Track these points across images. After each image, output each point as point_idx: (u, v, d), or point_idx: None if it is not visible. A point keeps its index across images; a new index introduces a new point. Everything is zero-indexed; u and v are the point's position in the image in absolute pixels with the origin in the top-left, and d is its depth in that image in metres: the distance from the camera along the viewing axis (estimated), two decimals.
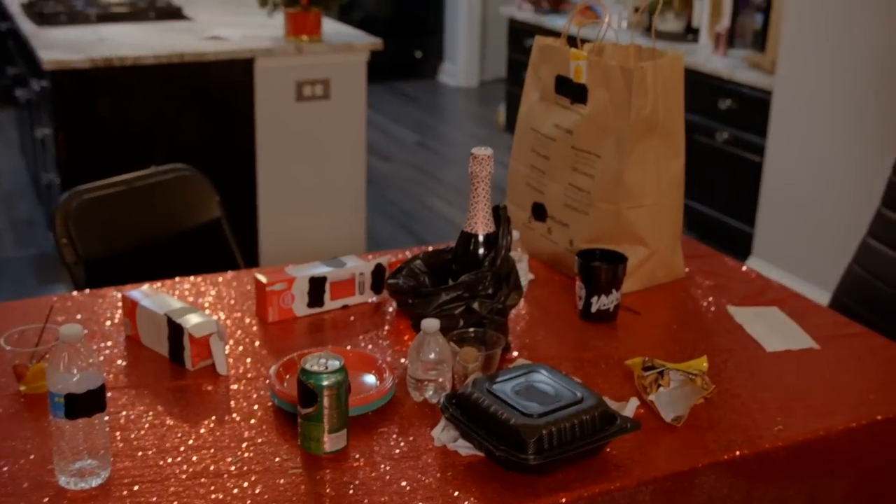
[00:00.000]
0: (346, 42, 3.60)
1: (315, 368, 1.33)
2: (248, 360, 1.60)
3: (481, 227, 1.60)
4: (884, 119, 3.47)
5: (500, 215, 1.61)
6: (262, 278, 1.74)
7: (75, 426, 1.24)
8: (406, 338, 1.67)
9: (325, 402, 1.32)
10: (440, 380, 1.47)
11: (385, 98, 7.14)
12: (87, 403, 1.24)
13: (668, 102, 1.83)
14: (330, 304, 1.78)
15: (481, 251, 1.60)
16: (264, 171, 3.62)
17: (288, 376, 1.48)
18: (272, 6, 3.49)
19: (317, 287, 1.76)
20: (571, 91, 1.90)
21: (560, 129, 1.92)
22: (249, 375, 1.55)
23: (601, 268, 1.74)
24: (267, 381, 1.51)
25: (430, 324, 1.47)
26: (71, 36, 3.57)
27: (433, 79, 7.81)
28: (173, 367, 1.57)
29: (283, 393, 1.44)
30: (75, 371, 1.23)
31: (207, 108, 3.49)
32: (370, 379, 1.51)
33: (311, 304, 1.76)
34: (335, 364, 1.34)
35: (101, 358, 1.58)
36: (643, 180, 1.84)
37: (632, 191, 1.83)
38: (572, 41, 1.95)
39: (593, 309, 1.75)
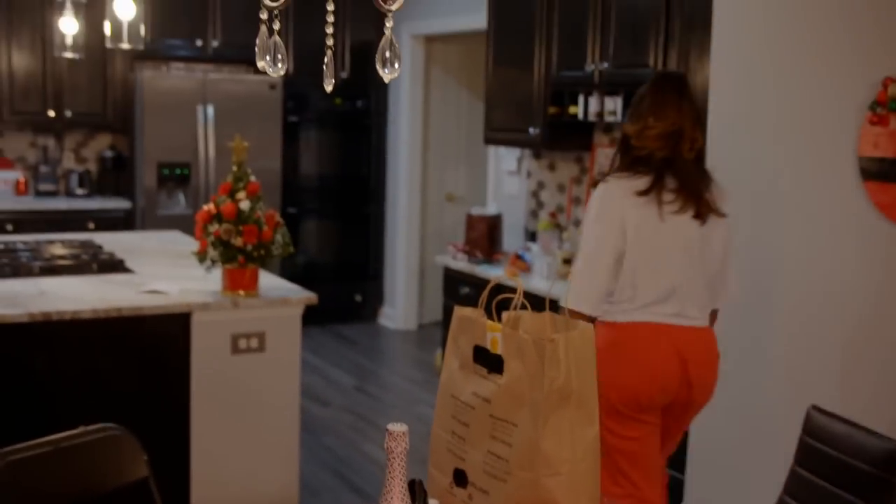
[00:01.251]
0: (281, 297, 3.67)
1: None
2: None
3: (397, 502, 1.59)
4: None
5: (415, 490, 1.62)
6: None
7: None
8: None
9: None
10: None
11: (324, 341, 7.19)
12: None
13: (581, 372, 1.89)
14: None
15: None
16: (198, 423, 3.59)
17: None
18: (210, 262, 3.57)
19: None
20: (488, 361, 1.95)
21: (478, 398, 1.96)
22: None
23: None
24: None
25: None
26: (13, 289, 3.60)
27: (373, 322, 7.91)
28: None
29: None
30: None
31: (143, 361, 3.49)
32: None
33: None
34: None
35: None
36: (559, 448, 1.86)
37: (549, 459, 1.85)
38: (491, 310, 2.01)
39: None
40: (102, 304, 3.42)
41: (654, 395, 2.96)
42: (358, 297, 7.83)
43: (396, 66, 1.43)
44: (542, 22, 5.25)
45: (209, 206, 3.55)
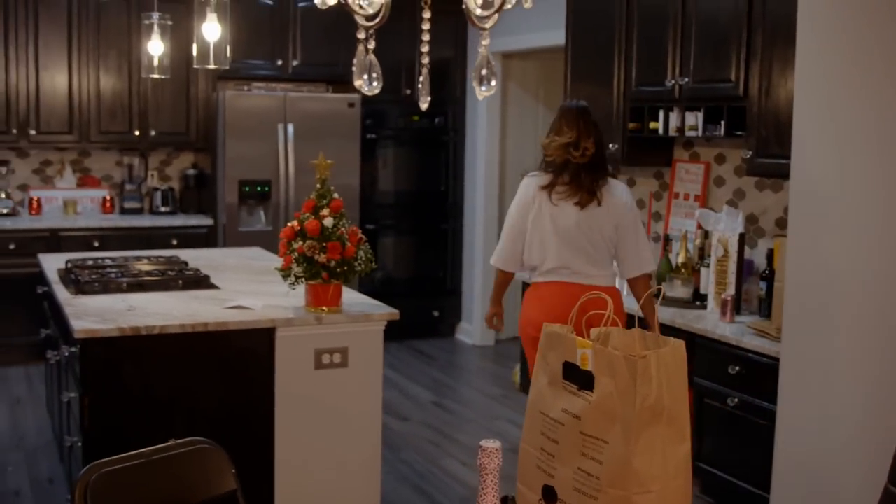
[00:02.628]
0: (363, 312, 3.70)
1: None
2: None
3: None
4: (890, 387, 3.48)
5: None
6: None
7: None
8: None
9: None
10: None
11: (403, 356, 7.22)
12: None
13: (672, 389, 1.86)
14: None
15: None
16: (282, 438, 3.63)
17: None
18: (294, 279, 3.60)
19: None
20: (578, 378, 1.93)
21: (568, 415, 1.95)
22: None
23: None
24: None
25: None
26: (102, 304, 3.69)
27: (451, 337, 7.92)
28: None
29: None
30: None
31: (228, 375, 3.55)
32: None
33: None
34: None
35: None
36: (650, 466, 1.84)
37: (640, 476, 1.83)
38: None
39: None
40: (190, 319, 3.48)
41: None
42: (436, 313, 7.85)
43: (493, 83, 1.44)
44: (620, 37, 5.22)
45: (293, 224, 3.60)
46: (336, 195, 3.65)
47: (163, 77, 4.79)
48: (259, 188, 6.86)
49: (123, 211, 7.14)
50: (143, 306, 3.68)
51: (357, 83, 1.54)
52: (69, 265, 4.42)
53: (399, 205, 7.68)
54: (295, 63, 7.21)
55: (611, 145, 5.32)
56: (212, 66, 4.17)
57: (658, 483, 1.85)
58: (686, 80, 4.75)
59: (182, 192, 7.36)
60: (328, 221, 3.55)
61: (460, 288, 7.90)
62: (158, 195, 7.21)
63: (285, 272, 3.61)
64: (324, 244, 3.53)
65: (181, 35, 6.18)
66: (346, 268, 3.58)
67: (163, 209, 7.17)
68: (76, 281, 4.02)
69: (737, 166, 4.96)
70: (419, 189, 7.75)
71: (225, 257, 5.15)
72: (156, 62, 4.69)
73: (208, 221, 6.94)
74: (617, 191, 4.07)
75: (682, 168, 5.31)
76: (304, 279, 3.61)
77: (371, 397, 3.75)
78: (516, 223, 4.11)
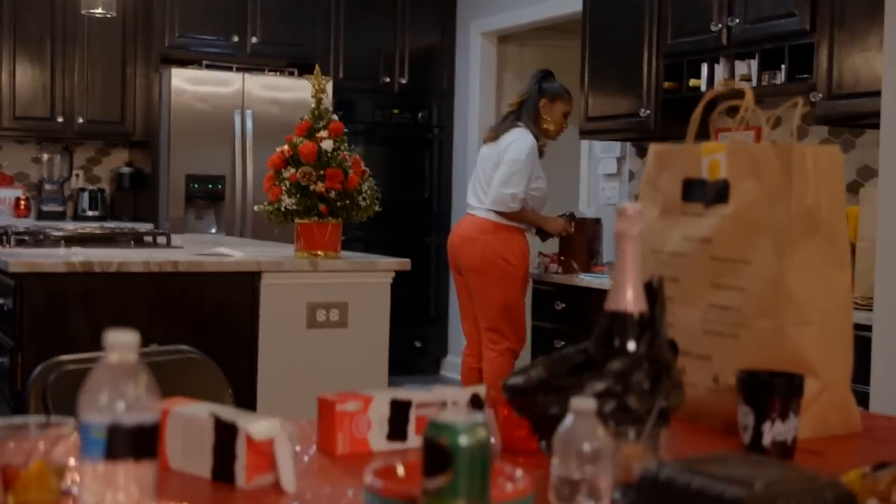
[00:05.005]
0: (367, 259, 3.53)
1: (450, 420, 1.10)
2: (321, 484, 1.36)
3: (632, 302, 1.41)
4: None
5: (654, 290, 1.44)
6: (330, 396, 1.53)
7: (114, 473, 1.00)
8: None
9: (464, 466, 1.08)
10: (599, 483, 1.23)
11: None
12: (136, 441, 1.01)
13: (829, 198, 1.72)
14: (414, 439, 1.55)
15: (632, 337, 1.41)
16: (265, 410, 3.40)
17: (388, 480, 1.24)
18: (283, 216, 3.42)
19: (399, 413, 1.54)
20: (706, 193, 1.78)
21: (692, 241, 1.79)
22: (323, 491, 1.31)
23: (777, 381, 1.54)
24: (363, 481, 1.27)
25: (583, 403, 1.25)
26: (40, 254, 3.48)
27: (435, 374, 7.73)
28: (215, 489, 1.32)
29: (387, 489, 1.19)
30: (127, 394, 1.01)
31: (201, 331, 3.33)
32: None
33: (391, 436, 1.54)
34: (477, 418, 1.12)
35: None
36: (809, 289, 1.68)
37: (797, 300, 1.67)
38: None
39: (766, 440, 1.53)
40: (154, 258, 3.28)
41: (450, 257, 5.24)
42: (417, 344, 7.64)
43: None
44: None
45: (283, 148, 3.44)
46: (335, 116, 3.49)
47: (107, 14, 4.63)
48: (210, 185, 6.68)
49: (42, 215, 6.90)
50: (90, 256, 3.47)
51: None
52: None
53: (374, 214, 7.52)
54: (254, 41, 7.08)
55: (641, 111, 5.23)
56: (99, 12, 4.26)
57: (819, 314, 1.70)
58: (736, 20, 4.69)
59: (114, 195, 7.16)
60: (327, 144, 3.40)
61: (447, 315, 7.72)
62: (85, 197, 7.00)
63: (273, 206, 3.42)
64: (321, 172, 3.36)
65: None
66: (347, 201, 3.41)
67: (90, 213, 6.95)
68: (4, 236, 3.81)
69: (797, 126, 4.88)
70: (398, 195, 7.57)
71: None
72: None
73: (146, 228, 6.72)
74: (510, 135, 5.08)
75: (724, 138, 5.23)
76: (295, 216, 3.43)
77: (375, 365, 3.58)
78: None
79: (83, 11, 4.64)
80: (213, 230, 6.69)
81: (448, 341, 7.74)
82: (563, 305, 5.35)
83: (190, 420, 1.38)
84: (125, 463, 0.99)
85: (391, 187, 7.54)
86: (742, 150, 1.74)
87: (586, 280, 5.23)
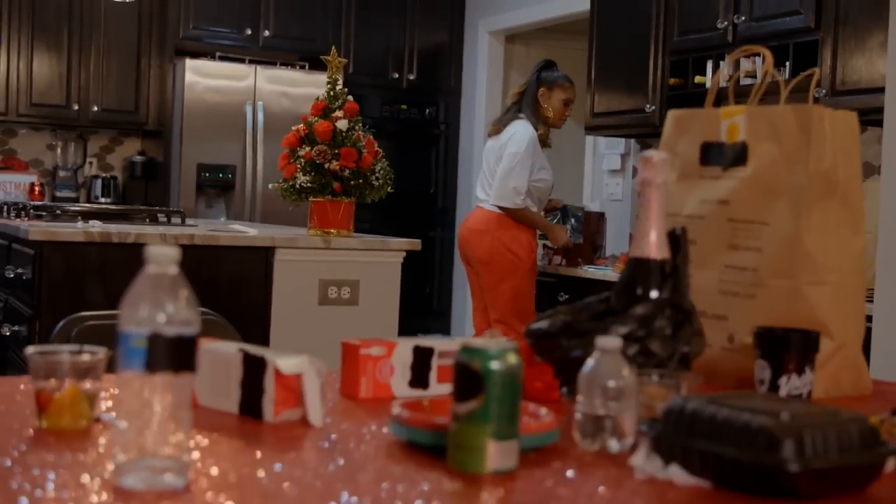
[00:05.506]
0: (379, 239, 3.51)
1: (482, 345, 1.10)
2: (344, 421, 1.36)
3: (655, 249, 1.41)
4: None
5: (677, 239, 1.43)
6: (354, 341, 1.52)
7: (152, 385, 0.99)
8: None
9: (496, 391, 1.08)
10: (623, 420, 1.22)
11: None
12: (176, 353, 1.00)
13: (846, 162, 1.71)
14: (436, 387, 1.54)
15: (655, 283, 1.40)
16: None
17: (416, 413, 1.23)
18: (297, 194, 3.41)
19: (422, 360, 1.54)
20: (724, 155, 1.78)
21: (710, 203, 1.78)
22: (350, 427, 1.30)
23: (794, 336, 1.53)
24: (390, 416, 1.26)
25: (609, 341, 1.24)
26: (58, 226, 3.47)
27: None
28: (243, 422, 1.31)
29: (416, 419, 1.18)
30: (167, 306, 1.00)
31: (217, 301, 3.28)
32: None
33: (413, 383, 1.53)
34: (508, 345, 1.11)
35: None
36: (825, 251, 1.68)
37: (813, 261, 1.66)
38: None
39: (782, 393, 1.52)
40: (171, 232, 3.27)
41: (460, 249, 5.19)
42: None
43: None
44: None
45: (298, 127, 3.43)
46: (350, 97, 3.48)
47: (127, 0, 4.62)
48: (221, 174, 6.67)
49: (55, 201, 6.88)
50: (109, 228, 3.46)
51: None
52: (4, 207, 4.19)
53: (379, 207, 7.45)
54: (266, 34, 7.07)
55: (647, 107, 5.23)
56: None
57: (834, 275, 1.69)
58: (742, 18, 4.69)
59: (126, 183, 7.15)
60: (342, 124, 3.39)
61: (450, 308, 7.70)
62: (98, 184, 6.99)
63: (287, 183, 3.42)
64: (336, 150, 3.36)
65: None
66: (361, 181, 3.41)
67: (103, 200, 6.94)
68: (23, 210, 3.80)
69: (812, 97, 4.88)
70: (404, 190, 7.50)
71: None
72: None
73: None
74: (511, 128, 5.01)
75: None
76: (309, 194, 3.42)
77: None
78: None
79: None
80: (223, 219, 6.67)
81: (451, 335, 7.72)
82: (567, 297, 5.34)
83: (218, 356, 1.38)
84: (164, 374, 0.98)
85: (397, 181, 7.49)
86: (761, 112, 1.74)
87: (590, 272, 5.22)
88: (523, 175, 4.89)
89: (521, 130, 4.97)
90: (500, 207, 4.93)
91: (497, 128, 5.15)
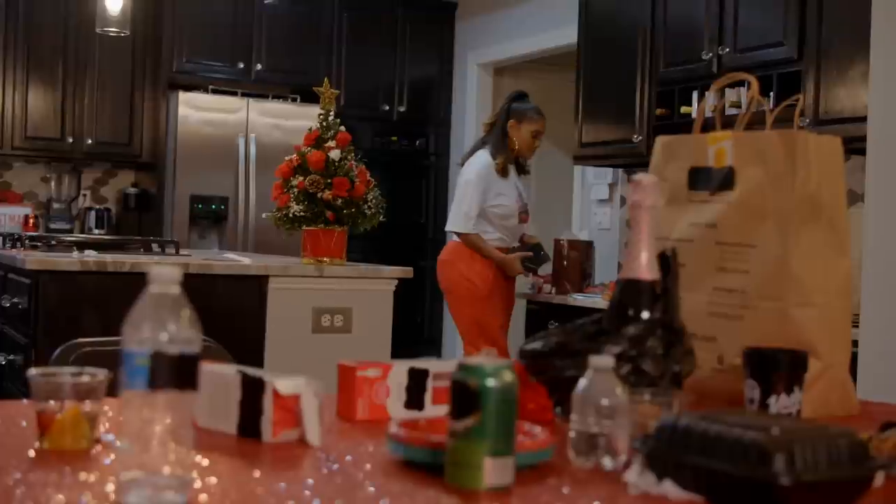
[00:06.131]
0: (372, 268, 3.52)
1: (478, 363, 1.11)
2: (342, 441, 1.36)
3: (646, 270, 1.42)
4: None
5: (668, 260, 1.45)
6: (350, 363, 1.53)
7: (155, 403, 0.99)
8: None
9: (492, 408, 1.09)
10: (617, 438, 1.23)
11: None
12: (178, 371, 1.00)
13: (830, 185, 1.73)
14: (431, 408, 1.55)
15: (646, 303, 1.42)
16: None
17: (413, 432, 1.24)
18: (291, 222, 3.43)
19: (417, 382, 1.54)
20: (712, 180, 1.80)
21: (698, 227, 1.80)
22: (348, 446, 1.31)
23: (782, 356, 1.54)
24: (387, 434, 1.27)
25: (602, 360, 1.25)
26: (51, 258, 3.47)
27: None
28: (242, 443, 1.32)
29: (413, 437, 1.19)
30: (169, 325, 1.01)
31: (211, 329, 3.30)
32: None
33: (408, 405, 1.54)
34: (504, 363, 1.12)
35: None
36: (812, 273, 1.69)
37: (800, 282, 1.68)
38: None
39: (772, 412, 1.53)
40: (166, 260, 3.27)
41: None
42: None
43: None
44: (644, 10, 5.21)
45: (292, 157, 3.44)
46: (342, 128, 3.50)
47: (121, 33, 4.65)
48: (214, 206, 6.67)
49: (50, 232, 6.86)
50: (104, 257, 3.47)
51: None
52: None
53: (370, 238, 7.45)
54: (258, 67, 7.10)
55: (634, 137, 5.26)
56: (113, 30, 4.40)
57: (821, 297, 1.71)
58: (727, 49, 4.73)
59: (120, 215, 7.15)
60: (335, 154, 3.41)
61: (441, 337, 7.70)
62: (92, 216, 6.99)
63: (281, 212, 3.43)
64: (329, 180, 3.37)
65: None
66: (353, 209, 3.42)
67: (97, 232, 6.93)
68: (19, 241, 3.80)
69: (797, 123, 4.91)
70: (394, 220, 7.52)
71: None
72: (114, 12, 4.54)
73: None
74: (472, 158, 5.12)
75: None
76: (303, 223, 3.43)
77: None
78: None
79: (98, 29, 4.65)
80: (216, 249, 6.67)
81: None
82: (556, 324, 5.34)
83: (217, 377, 1.38)
84: (167, 392, 0.99)
85: (388, 212, 7.51)
86: (748, 137, 1.76)
87: (579, 300, 5.23)
88: (474, 200, 4.95)
89: (476, 160, 5.07)
90: (456, 235, 5.05)
91: (465, 158, 5.26)
